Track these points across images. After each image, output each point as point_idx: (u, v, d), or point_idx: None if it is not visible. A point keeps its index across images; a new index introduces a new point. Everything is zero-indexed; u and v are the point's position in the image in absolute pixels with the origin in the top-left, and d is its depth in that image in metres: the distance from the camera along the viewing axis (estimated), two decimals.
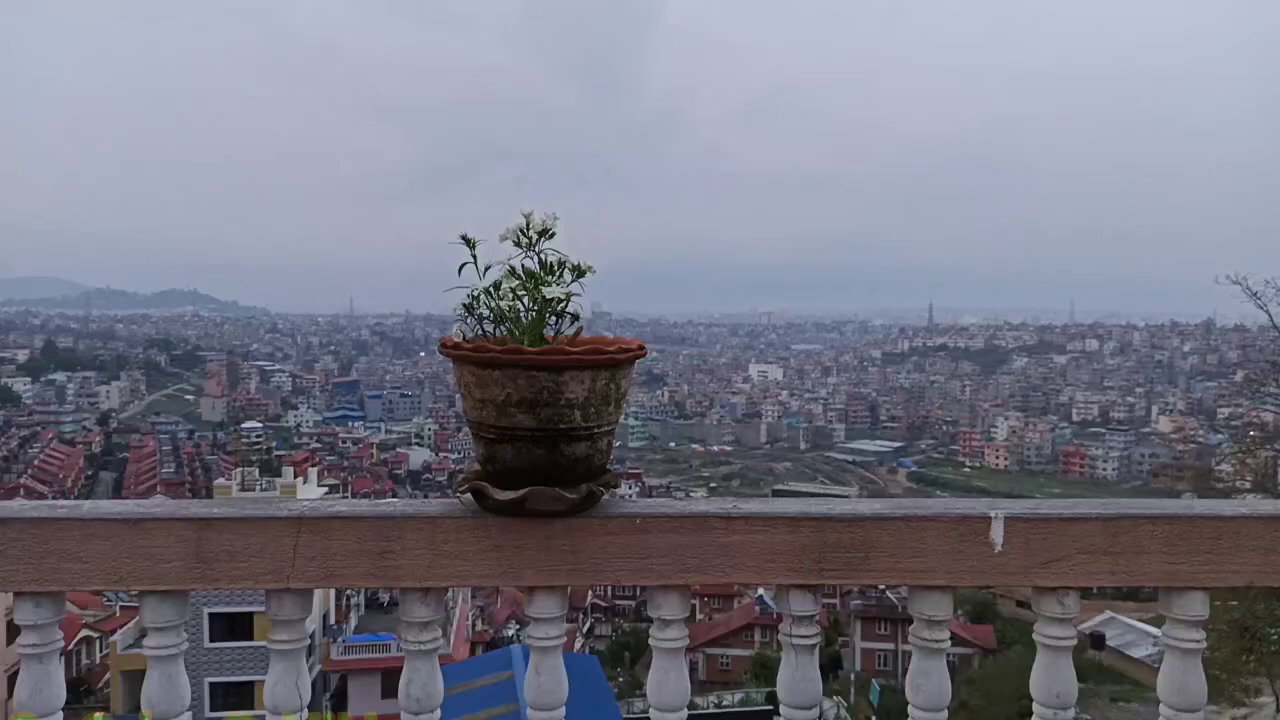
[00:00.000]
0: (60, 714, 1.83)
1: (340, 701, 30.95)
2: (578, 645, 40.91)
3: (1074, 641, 1.90)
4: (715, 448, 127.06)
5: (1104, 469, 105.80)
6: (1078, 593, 1.88)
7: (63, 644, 1.86)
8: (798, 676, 1.89)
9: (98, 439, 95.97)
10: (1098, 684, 29.36)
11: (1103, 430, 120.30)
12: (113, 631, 32.03)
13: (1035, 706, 1.90)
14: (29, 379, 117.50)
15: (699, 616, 44.09)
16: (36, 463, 75.08)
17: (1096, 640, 34.81)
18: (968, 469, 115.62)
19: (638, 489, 65.18)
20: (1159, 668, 1.94)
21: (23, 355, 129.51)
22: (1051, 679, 1.89)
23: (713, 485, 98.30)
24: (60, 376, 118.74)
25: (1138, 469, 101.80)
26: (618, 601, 50.85)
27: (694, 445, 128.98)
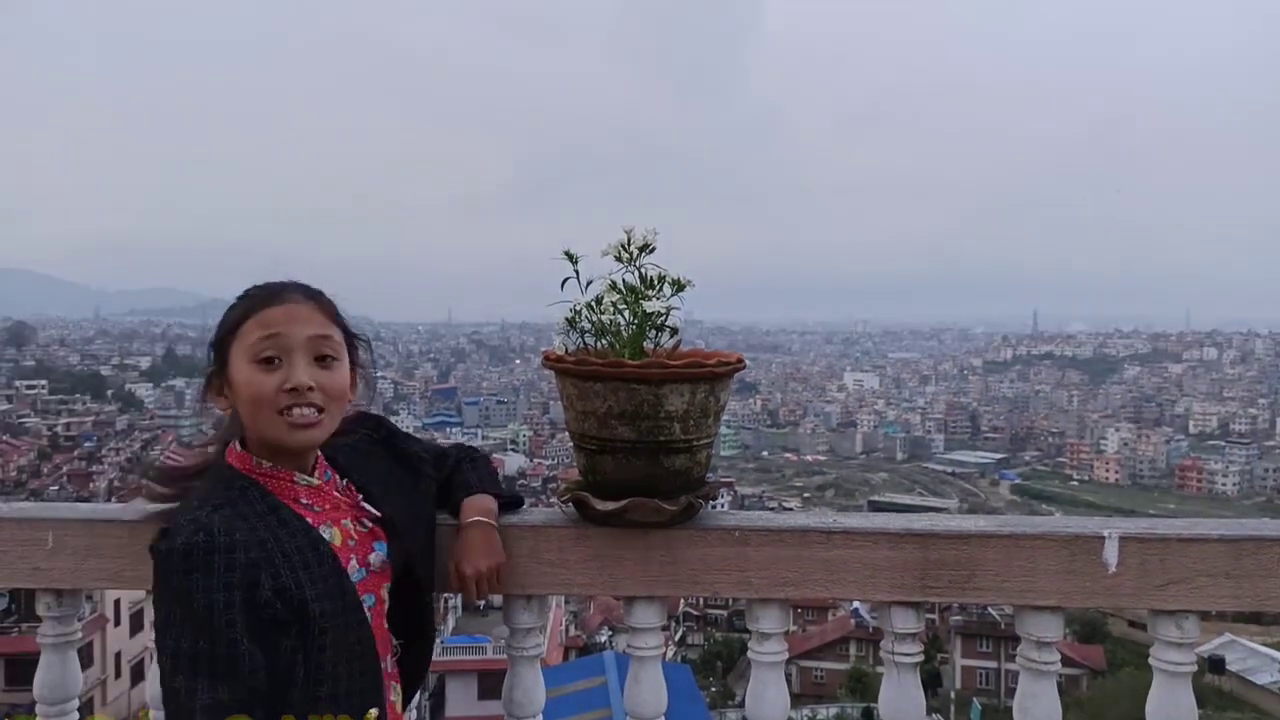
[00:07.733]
0: None
1: (438, 701, 31.70)
2: (670, 654, 40.88)
3: (1194, 667, 1.83)
4: (809, 457, 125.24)
5: (1223, 484, 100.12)
6: (1197, 616, 1.81)
7: None
8: (900, 695, 1.87)
9: None
10: (1218, 710, 27.94)
11: (1222, 443, 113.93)
12: None
13: None
14: (151, 385, 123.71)
15: (792, 628, 43.49)
16: (157, 464, 78.97)
17: (1216, 664, 33.09)
18: (1075, 482, 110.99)
19: (730, 497, 64.75)
20: None
21: (145, 362, 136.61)
22: (1169, 706, 1.82)
23: (806, 495, 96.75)
24: (179, 382, 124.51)
25: (1260, 484, 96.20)
26: (710, 610, 50.56)
27: (786, 454, 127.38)
